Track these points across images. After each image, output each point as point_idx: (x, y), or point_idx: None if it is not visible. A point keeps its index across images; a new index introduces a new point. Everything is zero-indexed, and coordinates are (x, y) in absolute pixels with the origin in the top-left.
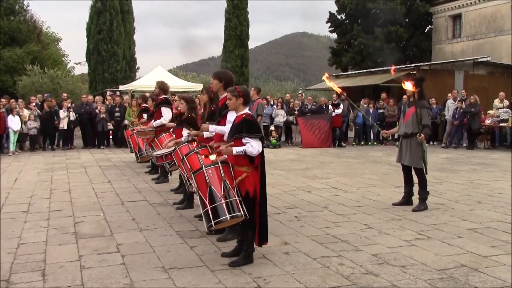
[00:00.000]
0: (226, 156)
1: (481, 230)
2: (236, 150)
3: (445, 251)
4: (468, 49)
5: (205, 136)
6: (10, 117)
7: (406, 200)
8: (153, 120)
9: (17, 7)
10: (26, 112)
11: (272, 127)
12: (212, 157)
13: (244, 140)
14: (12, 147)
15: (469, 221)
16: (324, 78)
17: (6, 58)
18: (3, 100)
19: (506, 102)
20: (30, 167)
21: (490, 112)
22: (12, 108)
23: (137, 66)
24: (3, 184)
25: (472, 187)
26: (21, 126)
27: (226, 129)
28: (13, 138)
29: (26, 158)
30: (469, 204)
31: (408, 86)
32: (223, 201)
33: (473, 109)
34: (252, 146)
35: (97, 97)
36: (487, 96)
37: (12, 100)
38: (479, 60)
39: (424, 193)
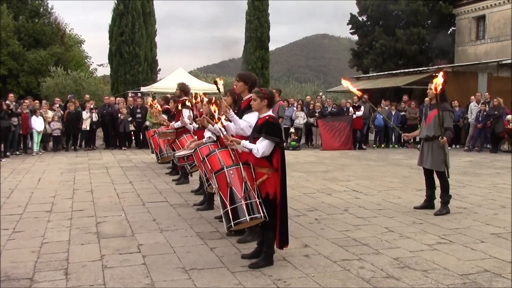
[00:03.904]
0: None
1: (505, 235)
2: (243, 143)
3: (468, 255)
4: (492, 51)
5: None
6: (33, 117)
7: (428, 204)
8: (173, 122)
9: (41, 9)
10: (50, 113)
11: (292, 129)
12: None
13: (258, 140)
14: (35, 147)
15: (492, 226)
16: (343, 82)
17: (31, 59)
18: (26, 101)
19: None
20: (53, 167)
21: (509, 117)
22: (36, 109)
23: (158, 67)
24: (27, 184)
25: (495, 191)
26: (45, 127)
27: (239, 120)
28: (36, 139)
29: (49, 159)
30: (492, 209)
31: (440, 80)
32: (243, 202)
33: (496, 112)
34: (258, 148)
35: (118, 99)
36: None
37: (36, 101)
38: (503, 62)
39: (446, 197)
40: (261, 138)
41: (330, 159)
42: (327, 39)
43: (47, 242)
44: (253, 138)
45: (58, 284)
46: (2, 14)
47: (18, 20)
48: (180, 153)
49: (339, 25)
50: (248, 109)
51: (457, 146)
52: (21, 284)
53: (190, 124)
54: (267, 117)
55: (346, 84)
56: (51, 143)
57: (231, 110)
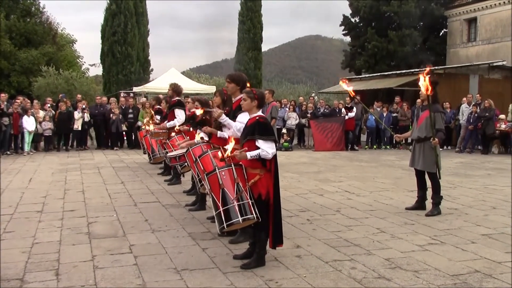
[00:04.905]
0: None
1: (496, 235)
2: (250, 154)
3: (458, 256)
4: (483, 53)
5: (218, 135)
6: (25, 117)
7: (419, 205)
8: (166, 122)
9: (33, 9)
10: (41, 113)
11: (284, 130)
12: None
13: (257, 143)
14: (27, 147)
15: (483, 227)
16: (341, 83)
17: (22, 59)
18: (17, 100)
19: None
20: (44, 168)
21: (502, 116)
22: (27, 109)
23: (150, 68)
24: (18, 184)
25: (486, 192)
26: (36, 127)
27: (233, 123)
28: (28, 139)
29: (40, 159)
30: (483, 210)
31: (423, 82)
32: (235, 203)
33: (487, 114)
34: (266, 150)
35: (112, 99)
36: (502, 100)
37: (27, 100)
38: (495, 64)
39: (437, 198)
40: (259, 141)
41: (322, 160)
42: (320, 40)
43: (38, 243)
44: (244, 139)
45: (49, 284)
46: None
47: (9, 19)
48: (172, 153)
49: (331, 26)
50: (240, 109)
51: (449, 148)
52: (12, 285)
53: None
54: (257, 118)
55: (343, 86)
56: (42, 143)
57: (223, 116)
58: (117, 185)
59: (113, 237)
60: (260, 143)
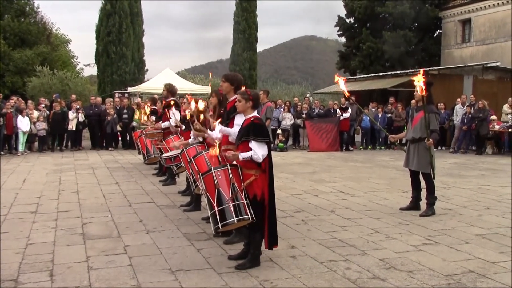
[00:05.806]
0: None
1: (489, 236)
2: (242, 156)
3: (452, 256)
4: (477, 54)
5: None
6: (19, 117)
7: (414, 205)
8: (161, 122)
9: (27, 8)
10: (35, 113)
11: (279, 130)
12: (212, 152)
13: (250, 145)
14: (21, 147)
15: (477, 227)
16: (340, 81)
17: (16, 59)
18: (11, 100)
19: None
20: (38, 168)
21: (494, 117)
22: (21, 109)
23: (145, 68)
24: (12, 185)
25: (480, 192)
26: (30, 127)
27: (232, 131)
28: (22, 139)
29: (34, 159)
30: (477, 210)
31: (419, 83)
32: (230, 203)
33: (481, 114)
34: (257, 153)
35: (108, 99)
36: (496, 101)
37: (22, 100)
38: (489, 65)
39: (432, 198)
40: (253, 142)
41: (317, 160)
42: (315, 40)
43: (32, 243)
44: (239, 140)
45: (43, 285)
46: None
47: (3, 19)
48: (167, 154)
49: (327, 27)
50: (234, 110)
51: (443, 148)
52: (6, 286)
53: (175, 126)
54: (252, 119)
55: (341, 84)
56: (36, 144)
57: (221, 126)
58: (111, 185)
59: (107, 238)
60: (253, 144)
